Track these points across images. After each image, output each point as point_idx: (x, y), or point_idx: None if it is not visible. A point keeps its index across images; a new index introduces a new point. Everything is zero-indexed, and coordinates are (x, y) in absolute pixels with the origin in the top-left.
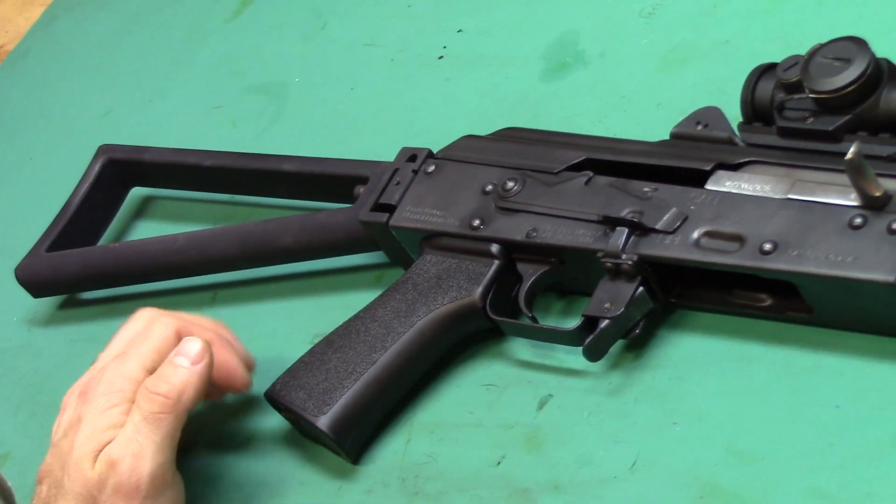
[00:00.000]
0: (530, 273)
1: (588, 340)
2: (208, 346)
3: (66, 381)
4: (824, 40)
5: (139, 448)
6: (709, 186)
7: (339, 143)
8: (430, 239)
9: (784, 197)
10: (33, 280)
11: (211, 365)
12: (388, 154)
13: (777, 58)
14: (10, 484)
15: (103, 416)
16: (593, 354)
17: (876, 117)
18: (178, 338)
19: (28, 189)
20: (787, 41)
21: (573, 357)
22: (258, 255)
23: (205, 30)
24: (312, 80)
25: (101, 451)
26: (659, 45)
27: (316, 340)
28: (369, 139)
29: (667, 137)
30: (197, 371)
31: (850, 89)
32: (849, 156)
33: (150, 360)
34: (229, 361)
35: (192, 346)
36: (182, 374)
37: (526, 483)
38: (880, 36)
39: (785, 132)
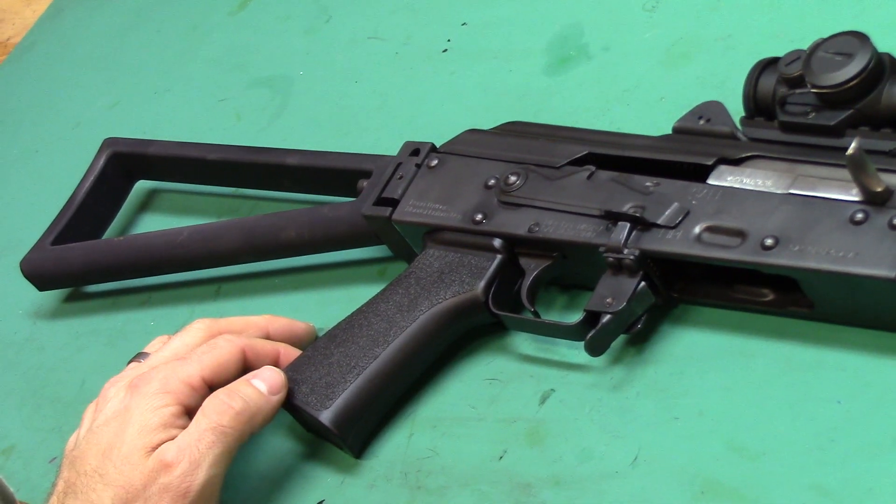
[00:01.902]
0: (532, 267)
1: (590, 335)
2: (287, 382)
3: (70, 374)
4: (826, 35)
5: (198, 456)
6: (711, 181)
7: (343, 137)
8: (432, 233)
9: (786, 192)
10: (38, 273)
11: (283, 401)
12: (392, 148)
13: (779, 52)
14: (11, 490)
15: (154, 414)
16: (595, 349)
17: (878, 112)
18: (244, 358)
19: (33, 182)
20: (789, 36)
21: (575, 352)
22: (262, 249)
23: (209, 23)
24: (316, 74)
25: (152, 448)
26: (662, 38)
27: (319, 334)
28: (373, 133)
29: (669, 132)
30: (272, 401)
31: (851, 84)
32: (850, 151)
33: (210, 371)
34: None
35: (274, 375)
36: (258, 398)
37: (528, 477)
38: (882, 31)
39: (787, 127)
